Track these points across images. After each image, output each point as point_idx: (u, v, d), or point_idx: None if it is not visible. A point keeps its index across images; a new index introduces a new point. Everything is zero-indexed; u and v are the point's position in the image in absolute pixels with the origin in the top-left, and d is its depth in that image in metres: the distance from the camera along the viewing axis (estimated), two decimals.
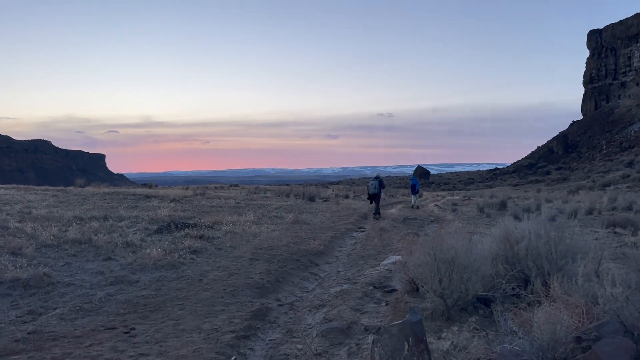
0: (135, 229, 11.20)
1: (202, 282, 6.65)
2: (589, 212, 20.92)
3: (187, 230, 10.25)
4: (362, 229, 14.61)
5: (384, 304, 6.24)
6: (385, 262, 9.02)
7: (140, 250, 8.09)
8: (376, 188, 17.94)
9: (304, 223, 14.27)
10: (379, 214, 18.08)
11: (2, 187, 24.63)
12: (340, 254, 10.14)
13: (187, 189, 30.18)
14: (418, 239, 7.68)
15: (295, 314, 5.97)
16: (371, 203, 18.57)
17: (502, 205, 23.37)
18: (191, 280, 6.72)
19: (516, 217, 19.26)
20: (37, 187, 26.23)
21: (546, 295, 5.25)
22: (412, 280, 5.92)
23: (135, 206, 17.54)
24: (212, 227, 11.38)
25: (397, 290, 6.66)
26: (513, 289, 5.71)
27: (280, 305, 6.27)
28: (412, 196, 24.52)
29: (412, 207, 23.42)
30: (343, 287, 6.92)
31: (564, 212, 20.23)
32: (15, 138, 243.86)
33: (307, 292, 7.12)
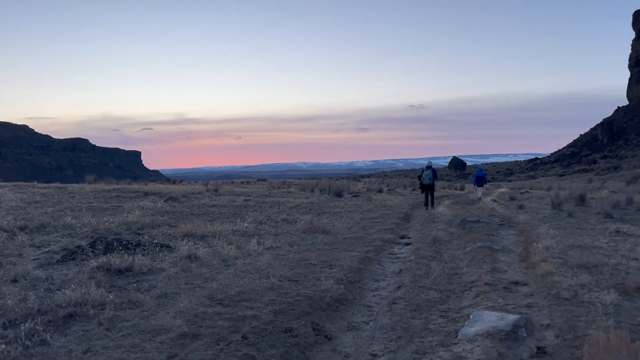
0: (46, 249, 6.98)
1: None
2: None
3: (109, 256, 5.90)
4: (405, 240, 10.01)
5: None
6: (468, 329, 4.45)
7: None
8: (430, 179, 17.08)
9: (322, 231, 9.78)
10: (433, 206, 17.22)
11: None
12: (377, 299, 5.57)
13: (206, 184, 26.90)
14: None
15: None
16: (423, 193, 17.84)
17: (581, 200, 18.24)
18: None
19: (609, 216, 14.33)
20: (41, 185, 23.12)
21: None
22: None
23: (118, 207, 13.46)
24: (167, 247, 7.01)
25: None
26: None
27: None
28: (478, 189, 22.74)
29: (477, 201, 21.25)
30: None
31: None
32: (54, 137, 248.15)
33: None
